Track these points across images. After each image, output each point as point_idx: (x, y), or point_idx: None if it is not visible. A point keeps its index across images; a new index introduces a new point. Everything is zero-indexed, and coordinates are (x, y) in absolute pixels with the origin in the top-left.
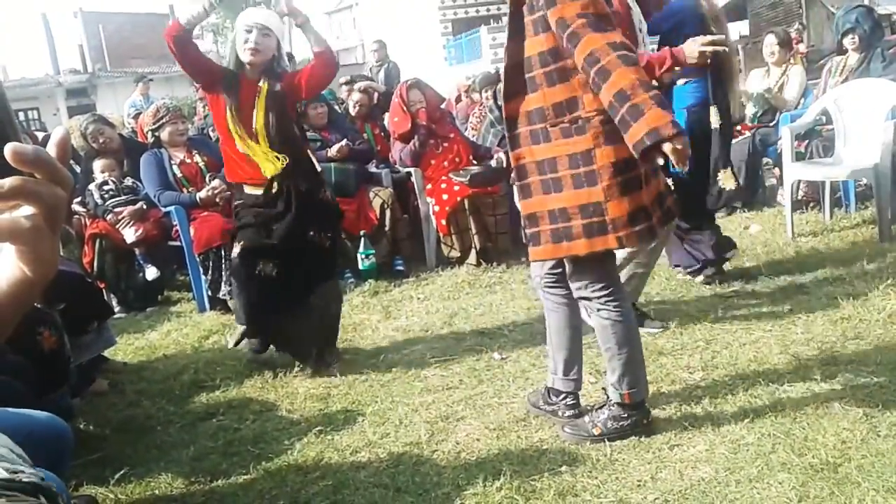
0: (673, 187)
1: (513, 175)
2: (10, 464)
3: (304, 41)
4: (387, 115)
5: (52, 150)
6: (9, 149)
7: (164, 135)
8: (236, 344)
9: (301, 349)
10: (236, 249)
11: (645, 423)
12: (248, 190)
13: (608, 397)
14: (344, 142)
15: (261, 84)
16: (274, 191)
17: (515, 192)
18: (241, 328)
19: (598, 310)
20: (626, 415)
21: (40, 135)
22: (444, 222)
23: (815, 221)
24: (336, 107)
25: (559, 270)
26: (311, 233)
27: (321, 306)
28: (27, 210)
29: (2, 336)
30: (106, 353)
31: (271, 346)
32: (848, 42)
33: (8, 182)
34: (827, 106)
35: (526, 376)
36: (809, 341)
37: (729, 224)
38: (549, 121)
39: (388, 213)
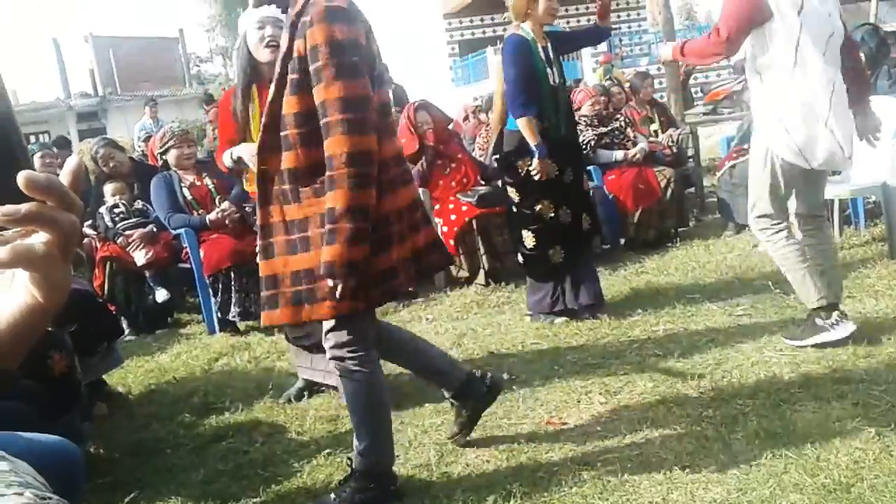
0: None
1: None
2: (37, 490)
3: None
4: None
5: (65, 178)
6: (22, 176)
7: (171, 158)
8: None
9: None
10: None
11: (392, 489)
12: None
13: (353, 468)
14: None
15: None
16: None
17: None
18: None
19: (353, 372)
20: (372, 485)
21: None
22: (452, 243)
23: None
24: None
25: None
26: None
27: None
28: (41, 237)
29: (15, 361)
30: (115, 378)
31: None
32: None
33: (24, 208)
34: None
35: (536, 396)
36: (820, 360)
37: (738, 243)
38: (300, 181)
39: None
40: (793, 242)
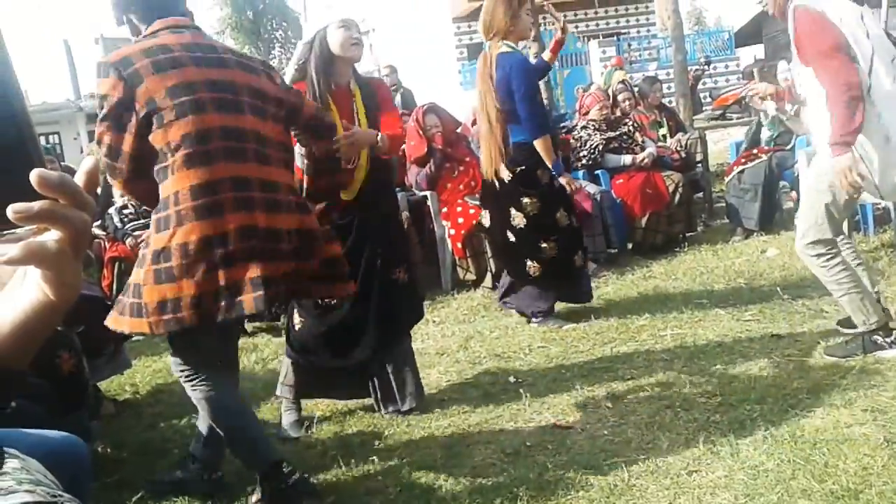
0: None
1: None
2: (48, 488)
3: None
4: None
5: (80, 178)
6: (34, 174)
7: None
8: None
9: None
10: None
11: (285, 487)
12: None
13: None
14: None
15: (352, 87)
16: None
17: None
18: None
19: (191, 390)
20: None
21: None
22: (459, 245)
23: None
24: None
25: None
26: (380, 262)
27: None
28: (53, 234)
29: (26, 359)
30: (122, 377)
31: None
32: None
33: (37, 205)
34: None
35: (542, 400)
36: (829, 366)
37: (746, 248)
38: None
39: None
40: (847, 267)
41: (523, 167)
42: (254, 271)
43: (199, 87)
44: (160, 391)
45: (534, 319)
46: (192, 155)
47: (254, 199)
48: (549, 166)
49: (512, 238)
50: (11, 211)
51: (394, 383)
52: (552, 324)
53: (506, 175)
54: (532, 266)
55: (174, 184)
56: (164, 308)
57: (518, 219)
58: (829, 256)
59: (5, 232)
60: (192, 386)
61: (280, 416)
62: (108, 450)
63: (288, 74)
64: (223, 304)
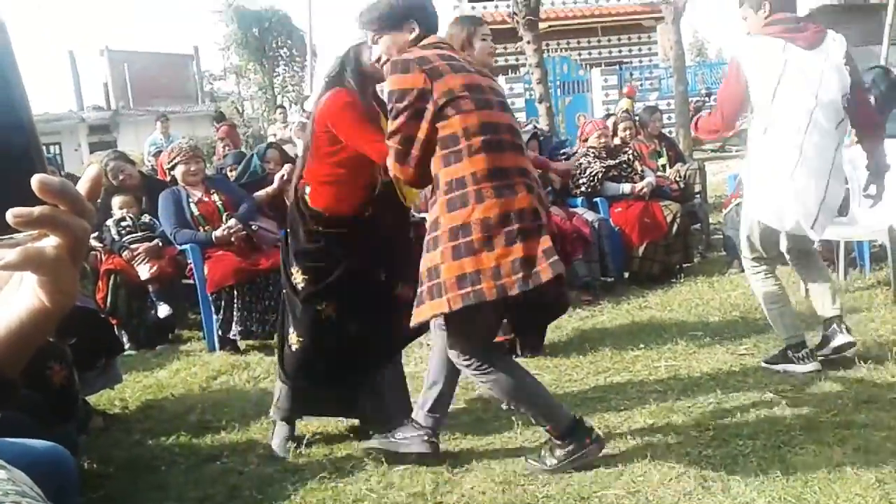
0: None
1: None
2: (33, 500)
3: None
4: None
5: (84, 184)
6: (36, 179)
7: (178, 174)
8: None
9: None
10: (325, 311)
11: (588, 440)
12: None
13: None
14: None
15: (375, 104)
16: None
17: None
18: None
19: (474, 376)
20: (570, 446)
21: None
22: None
23: None
24: None
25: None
26: (385, 276)
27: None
28: (52, 240)
29: (18, 366)
30: (112, 392)
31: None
32: None
33: (37, 210)
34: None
35: (533, 429)
36: (822, 403)
37: (742, 281)
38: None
39: None
40: (773, 283)
41: None
42: (544, 243)
43: (484, 89)
44: (150, 407)
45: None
46: (488, 142)
47: (532, 185)
48: None
49: None
50: (11, 215)
51: (384, 407)
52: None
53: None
54: None
55: (470, 165)
56: (464, 282)
57: None
58: (761, 272)
59: (4, 237)
60: (482, 374)
61: (271, 435)
62: (95, 465)
63: (315, 89)
64: (521, 274)
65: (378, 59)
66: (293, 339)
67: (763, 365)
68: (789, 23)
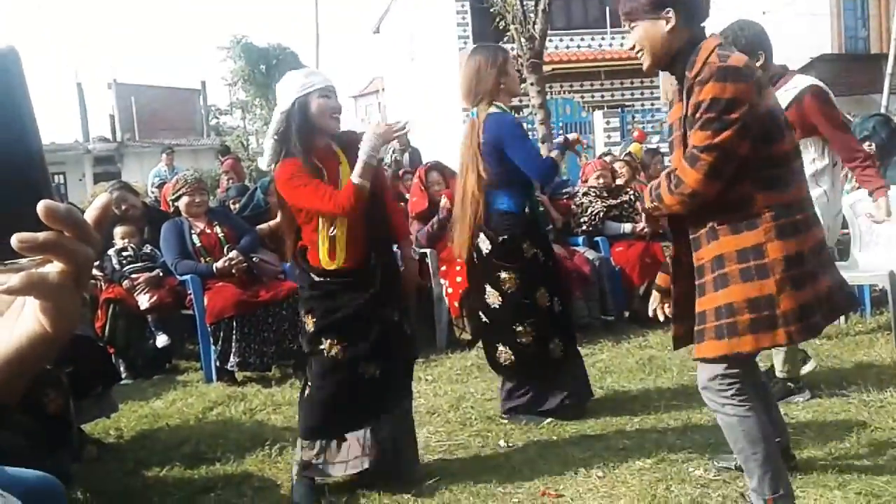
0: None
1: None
2: None
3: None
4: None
5: (92, 213)
6: (42, 205)
7: (181, 205)
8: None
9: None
10: (331, 350)
11: None
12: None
13: None
14: None
15: (336, 150)
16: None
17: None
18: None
19: (723, 405)
20: None
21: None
22: (456, 304)
23: (831, 325)
24: None
25: (735, 371)
26: (396, 316)
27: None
28: (55, 266)
29: (16, 393)
30: (108, 421)
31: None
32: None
33: (41, 236)
34: (843, 210)
35: (532, 467)
36: (823, 447)
37: None
38: (717, 218)
39: None
40: None
41: (505, 237)
42: (827, 281)
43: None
44: (145, 437)
45: (504, 415)
46: (797, 171)
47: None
48: (537, 239)
49: (486, 319)
50: (16, 240)
51: (393, 448)
52: (525, 421)
53: (485, 246)
54: (503, 353)
55: (790, 194)
56: (807, 312)
57: (493, 297)
58: None
59: (8, 263)
60: (736, 400)
61: (266, 473)
62: (88, 494)
63: (266, 147)
64: (832, 305)
65: (332, 111)
66: (308, 389)
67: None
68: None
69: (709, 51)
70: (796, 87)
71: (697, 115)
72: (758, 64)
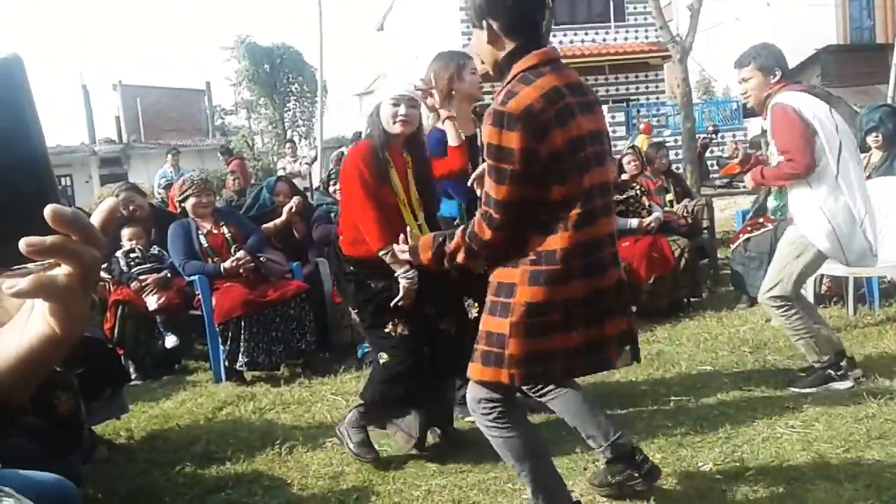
0: None
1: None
2: None
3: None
4: None
5: (98, 216)
6: (49, 209)
7: (189, 206)
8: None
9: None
10: (399, 329)
11: None
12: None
13: None
14: None
15: (405, 155)
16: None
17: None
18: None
19: (488, 427)
20: None
21: None
22: None
23: (839, 317)
24: None
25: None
26: (433, 311)
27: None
28: (63, 269)
29: (27, 393)
30: (118, 422)
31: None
32: (871, 140)
33: (49, 240)
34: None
35: None
36: (833, 439)
37: (751, 316)
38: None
39: None
40: (802, 315)
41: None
42: (618, 327)
43: (587, 142)
44: (155, 437)
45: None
46: (583, 214)
47: (616, 254)
48: None
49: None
50: (24, 244)
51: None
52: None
53: None
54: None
55: (563, 240)
56: (533, 362)
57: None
58: (786, 308)
59: (17, 267)
60: (499, 428)
61: (276, 472)
62: (99, 495)
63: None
64: (584, 360)
65: (396, 117)
66: (379, 361)
67: (796, 390)
68: (806, 88)
69: (512, 76)
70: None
71: (486, 154)
72: (772, 81)
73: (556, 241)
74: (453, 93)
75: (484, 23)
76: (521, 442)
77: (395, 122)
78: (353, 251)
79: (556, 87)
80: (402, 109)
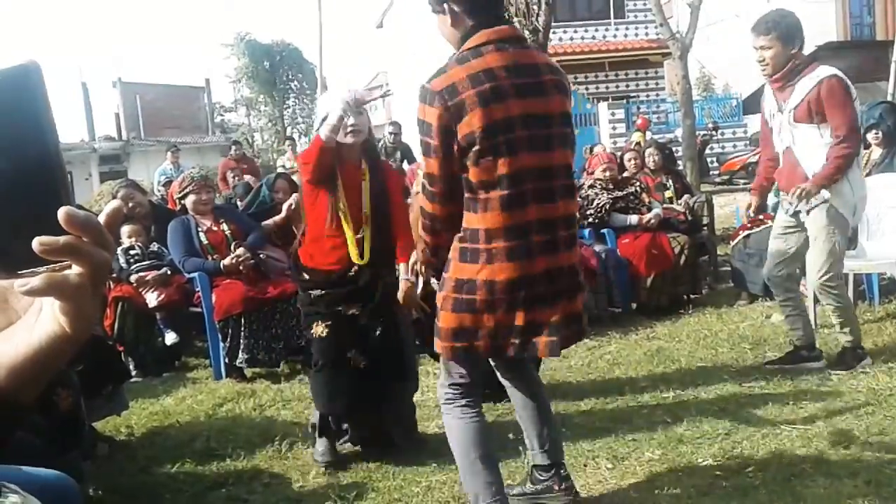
0: None
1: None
2: None
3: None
4: None
5: (104, 217)
6: (63, 211)
7: (188, 203)
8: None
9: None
10: (319, 330)
11: None
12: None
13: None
14: None
15: (363, 167)
16: (360, 279)
17: None
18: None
19: (448, 411)
20: None
21: None
22: None
23: None
24: None
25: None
26: (379, 330)
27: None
28: (75, 269)
29: (35, 391)
30: (118, 419)
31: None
32: (871, 137)
33: (62, 240)
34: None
35: None
36: (832, 435)
37: (751, 312)
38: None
39: None
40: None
41: None
42: (553, 315)
43: (516, 124)
44: (156, 434)
45: None
46: (506, 197)
47: (559, 240)
48: None
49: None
50: (38, 243)
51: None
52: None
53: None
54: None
55: (485, 220)
56: (459, 335)
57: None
58: (840, 287)
59: (29, 270)
60: (453, 409)
61: (276, 469)
62: (100, 492)
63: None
64: (517, 341)
65: (346, 129)
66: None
67: (773, 367)
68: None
69: (454, 55)
70: (818, 76)
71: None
72: (793, 52)
73: (477, 221)
74: None
75: (445, 6)
76: (473, 432)
77: (346, 135)
78: (304, 259)
79: (489, 68)
80: (349, 120)
